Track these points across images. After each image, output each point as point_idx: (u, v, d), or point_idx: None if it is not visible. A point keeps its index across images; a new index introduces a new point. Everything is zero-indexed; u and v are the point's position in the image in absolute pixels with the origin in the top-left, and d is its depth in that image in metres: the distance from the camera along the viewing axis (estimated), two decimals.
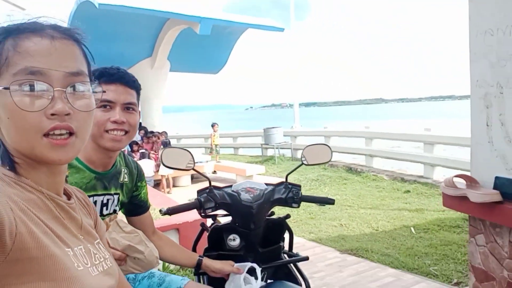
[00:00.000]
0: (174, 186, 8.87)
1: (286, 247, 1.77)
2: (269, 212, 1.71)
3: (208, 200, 1.64)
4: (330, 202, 1.73)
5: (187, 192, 8.07)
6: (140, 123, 10.68)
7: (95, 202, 1.30)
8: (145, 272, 1.44)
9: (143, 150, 8.49)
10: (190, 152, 1.66)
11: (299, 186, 1.74)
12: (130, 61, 9.82)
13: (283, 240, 1.73)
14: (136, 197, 1.49)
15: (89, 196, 1.27)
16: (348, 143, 11.42)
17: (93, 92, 0.72)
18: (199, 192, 1.68)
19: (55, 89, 0.64)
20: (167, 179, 8.49)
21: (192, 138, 17.97)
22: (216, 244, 1.65)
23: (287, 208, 1.73)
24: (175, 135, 18.62)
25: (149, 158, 8.41)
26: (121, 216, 1.42)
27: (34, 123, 0.63)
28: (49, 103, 0.64)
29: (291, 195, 1.70)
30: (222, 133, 16.96)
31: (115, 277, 0.79)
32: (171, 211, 1.60)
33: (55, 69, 0.65)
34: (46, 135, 0.64)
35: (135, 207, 1.50)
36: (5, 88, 0.62)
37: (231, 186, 1.71)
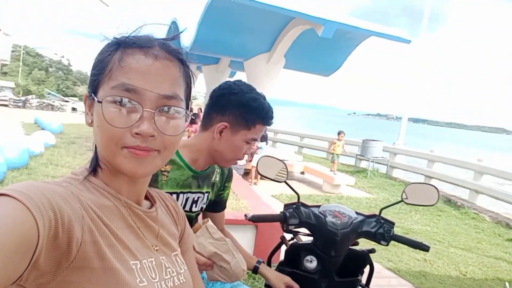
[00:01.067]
0: (261, 178, 9.10)
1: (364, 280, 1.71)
2: (354, 242, 1.67)
3: (293, 216, 1.66)
4: (425, 248, 1.60)
5: (272, 187, 8.15)
6: None
7: (187, 199, 1.38)
8: (232, 283, 1.46)
9: None
10: (285, 164, 1.70)
11: (393, 223, 1.65)
12: (249, 53, 10.20)
13: (362, 273, 1.68)
14: (219, 196, 1.57)
15: (183, 193, 1.36)
16: (453, 172, 10.43)
17: (186, 114, 0.71)
18: (286, 206, 1.70)
19: (144, 109, 0.64)
20: (256, 170, 8.70)
21: (288, 134, 18.09)
22: (292, 261, 1.66)
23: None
24: (272, 128, 18.95)
25: None
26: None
27: (117, 137, 0.64)
28: (136, 122, 0.64)
29: (382, 231, 1.62)
30: (317, 135, 16.83)
31: None
32: (255, 219, 1.66)
33: (149, 90, 0.65)
34: (127, 147, 0.65)
35: (214, 204, 1.57)
36: (98, 102, 0.64)
37: (319, 206, 1.71)
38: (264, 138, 8.76)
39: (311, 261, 1.59)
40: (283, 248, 1.74)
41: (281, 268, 1.65)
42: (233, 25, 9.15)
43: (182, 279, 0.76)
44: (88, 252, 0.58)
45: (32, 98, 31.43)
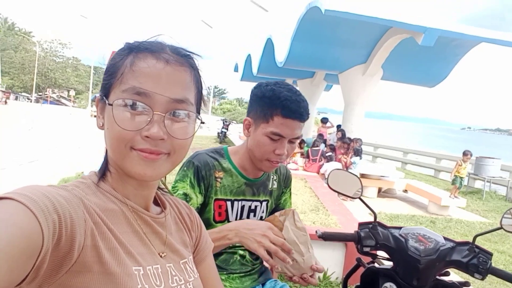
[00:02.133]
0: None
1: None
2: (443, 271, 1.46)
3: (368, 236, 1.52)
4: None
5: (371, 204, 7.77)
6: (339, 125, 10.84)
7: (243, 207, 1.35)
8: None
9: (330, 153, 8.63)
10: (359, 179, 1.57)
11: (490, 254, 1.40)
12: (343, 66, 10.01)
13: None
14: (278, 203, 1.51)
15: (238, 200, 1.34)
16: None
17: (197, 118, 0.71)
18: (361, 225, 1.57)
19: (154, 112, 0.65)
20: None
21: (389, 149, 17.09)
22: (369, 286, 1.52)
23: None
24: (373, 143, 18.09)
25: (335, 161, 8.48)
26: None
27: (126, 140, 0.64)
28: (146, 125, 0.64)
29: (476, 262, 1.37)
30: (422, 151, 15.55)
31: None
32: (326, 236, 1.56)
33: (160, 94, 0.65)
34: (137, 149, 0.65)
35: (273, 210, 1.51)
36: (109, 104, 0.65)
37: (400, 228, 1.54)
38: (358, 152, 8.37)
39: None
40: (360, 270, 1.60)
41: None
42: (326, 37, 9.07)
43: (190, 287, 0.74)
44: (89, 256, 0.58)
45: None
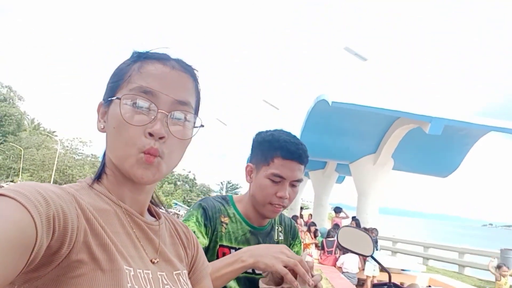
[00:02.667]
0: None
1: None
2: None
3: None
4: None
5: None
6: (354, 217, 10.60)
7: None
8: None
9: None
10: (370, 237, 1.54)
11: None
12: (353, 156, 10.21)
13: None
14: None
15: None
16: None
17: (194, 127, 0.73)
18: (376, 286, 1.50)
19: (159, 110, 0.67)
20: (371, 281, 7.89)
21: (409, 244, 16.37)
22: None
23: None
24: (390, 237, 17.45)
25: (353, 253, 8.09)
26: None
27: (134, 138, 0.66)
28: (150, 122, 0.66)
29: None
30: (444, 245, 14.81)
31: None
32: None
33: (165, 94, 0.68)
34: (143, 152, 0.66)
35: None
36: (117, 98, 0.67)
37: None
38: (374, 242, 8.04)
39: None
40: None
41: None
42: (335, 128, 9.43)
43: None
44: (79, 252, 0.57)
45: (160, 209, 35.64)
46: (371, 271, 7.79)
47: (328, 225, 12.74)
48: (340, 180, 16.94)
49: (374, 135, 9.63)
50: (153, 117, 0.66)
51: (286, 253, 1.08)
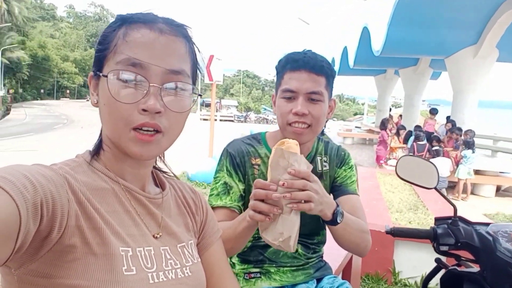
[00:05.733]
0: (472, 193, 7.76)
1: None
2: None
3: (447, 234, 1.31)
4: None
5: (486, 205, 6.90)
6: (448, 116, 9.76)
7: None
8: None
9: (437, 147, 7.77)
10: (435, 166, 1.35)
11: None
12: (449, 50, 9.00)
13: None
14: (336, 184, 1.36)
15: None
16: None
17: (193, 93, 0.69)
18: (438, 220, 1.36)
19: (151, 84, 0.63)
20: (464, 184, 7.51)
21: None
22: None
23: None
24: (491, 135, 16.01)
25: (445, 156, 7.63)
26: None
27: (124, 115, 0.63)
28: (142, 98, 0.62)
29: None
30: None
31: (195, 287, 0.72)
32: (396, 232, 1.37)
33: (155, 65, 0.63)
34: (135, 129, 0.63)
35: (336, 191, 1.36)
36: (104, 76, 0.63)
37: (488, 224, 1.29)
38: (469, 145, 7.41)
39: None
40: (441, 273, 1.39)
41: None
42: (428, 19, 8.26)
43: (187, 272, 0.71)
44: (71, 237, 0.57)
45: (251, 114, 37.26)
46: (465, 174, 7.38)
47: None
48: (435, 75, 15.41)
49: (475, 24, 8.25)
50: (145, 91, 0.63)
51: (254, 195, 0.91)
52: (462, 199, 7.47)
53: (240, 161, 1.27)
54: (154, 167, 0.80)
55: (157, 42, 0.64)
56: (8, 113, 30.01)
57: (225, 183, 1.25)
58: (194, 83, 0.71)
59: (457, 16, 8.09)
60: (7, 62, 36.71)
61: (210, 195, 1.25)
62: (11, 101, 36.97)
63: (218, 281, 0.82)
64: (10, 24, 39.20)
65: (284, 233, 0.88)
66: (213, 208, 1.20)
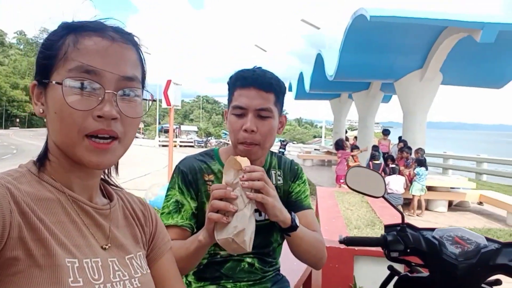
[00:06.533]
0: (427, 209, 8.09)
1: None
2: (489, 279, 1.24)
3: (396, 240, 1.35)
4: None
5: (439, 220, 7.19)
6: (400, 137, 10.25)
7: None
8: None
9: (393, 166, 8.11)
10: (382, 176, 1.41)
11: None
12: (398, 74, 9.58)
13: None
14: (290, 199, 1.38)
15: None
16: None
17: (143, 99, 0.70)
18: (388, 228, 1.40)
19: (106, 91, 0.62)
20: (419, 200, 7.83)
21: (461, 159, 15.84)
22: None
23: None
24: (441, 153, 16.95)
25: (399, 174, 7.95)
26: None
27: (78, 122, 0.61)
28: (98, 104, 0.62)
29: None
30: (495, 159, 14.14)
31: None
32: (348, 241, 1.41)
33: (109, 71, 0.63)
34: (89, 136, 0.62)
35: (290, 206, 1.34)
36: (57, 83, 0.62)
37: (433, 229, 1.35)
38: (421, 163, 7.80)
39: None
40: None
41: None
42: (376, 45, 8.75)
43: (136, 284, 0.70)
44: (13, 249, 0.55)
45: (211, 139, 37.60)
46: (418, 190, 7.69)
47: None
48: (386, 98, 16.23)
49: (420, 49, 8.85)
50: (100, 98, 0.62)
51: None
52: (417, 215, 7.74)
53: (192, 178, 1.25)
54: (102, 179, 0.78)
55: (110, 49, 0.64)
56: None
57: (177, 201, 1.23)
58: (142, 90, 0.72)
59: (403, 42, 8.64)
60: None
61: (161, 214, 1.22)
62: None
63: None
64: None
65: (238, 225, 0.91)
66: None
